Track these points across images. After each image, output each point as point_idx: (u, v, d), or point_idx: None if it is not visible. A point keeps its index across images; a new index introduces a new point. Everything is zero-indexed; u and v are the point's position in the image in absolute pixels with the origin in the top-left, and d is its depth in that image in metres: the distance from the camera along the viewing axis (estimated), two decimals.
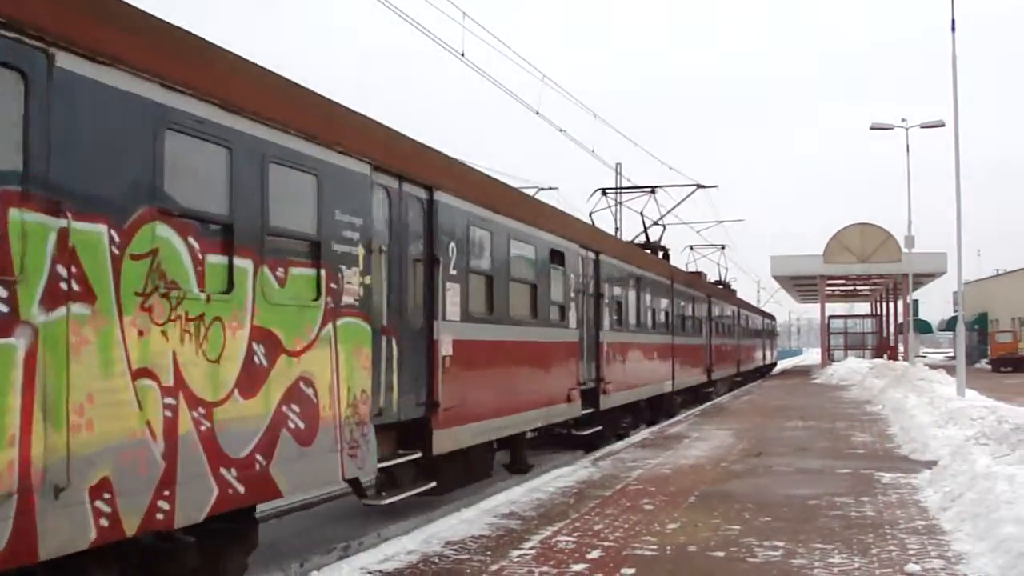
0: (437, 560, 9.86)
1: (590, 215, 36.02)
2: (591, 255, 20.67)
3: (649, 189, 38.64)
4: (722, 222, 57.98)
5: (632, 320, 24.64)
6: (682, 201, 41.07)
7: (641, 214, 38.36)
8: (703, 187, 42.75)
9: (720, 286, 51.52)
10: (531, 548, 10.39)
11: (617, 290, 23.03)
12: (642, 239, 38.44)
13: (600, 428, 20.58)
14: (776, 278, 79.66)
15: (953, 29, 29.58)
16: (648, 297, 26.80)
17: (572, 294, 18.74)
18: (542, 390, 16.86)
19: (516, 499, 13.58)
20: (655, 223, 39.48)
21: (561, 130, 28.36)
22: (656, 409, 28.65)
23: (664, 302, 29.34)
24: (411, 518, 13.29)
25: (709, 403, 36.88)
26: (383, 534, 12.39)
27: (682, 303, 32.64)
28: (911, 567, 9.35)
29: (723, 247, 60.28)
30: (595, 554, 10.08)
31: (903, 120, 49.34)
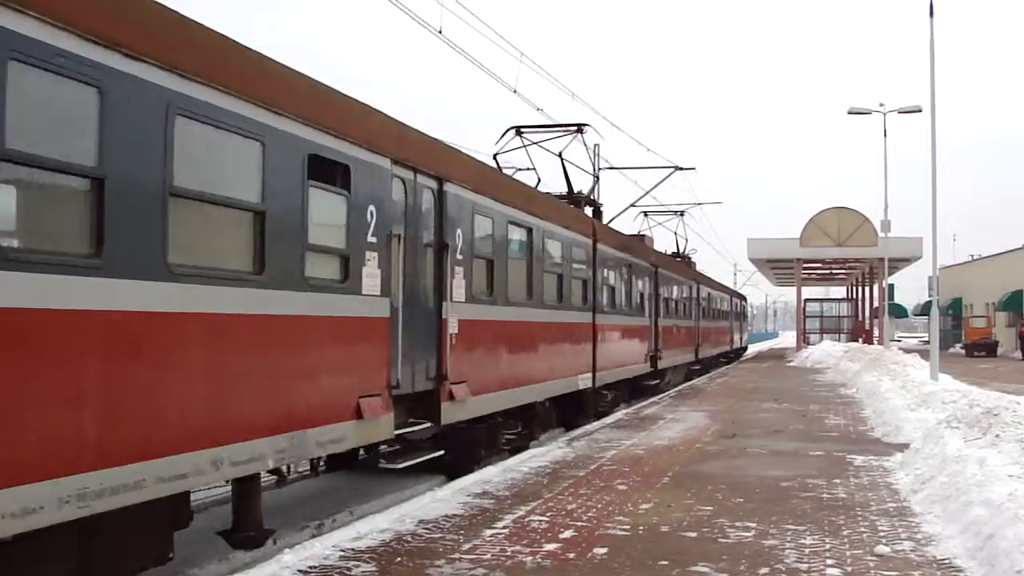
0: (410, 538, 9.87)
1: (495, 156, 25.91)
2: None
3: (575, 128, 27.36)
4: (700, 204, 57.85)
5: (516, 292, 17.18)
6: (660, 183, 41.13)
7: (560, 156, 27.67)
8: (681, 169, 42.88)
9: (676, 258, 45.09)
10: (504, 527, 10.41)
11: (497, 247, 16.30)
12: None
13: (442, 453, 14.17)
14: (753, 260, 79.90)
15: (932, 15, 29.62)
16: (551, 260, 19.63)
17: None
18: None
19: (490, 479, 13.59)
20: (595, 176, 34.64)
21: (539, 109, 28.26)
22: (569, 410, 21.83)
23: (583, 269, 22.08)
24: (384, 497, 13.31)
25: (686, 384, 36.96)
26: (356, 512, 12.41)
27: (611, 272, 25.33)
28: (881, 548, 9.41)
29: (681, 213, 49.20)
30: (568, 534, 10.10)
31: (881, 105, 49.52)
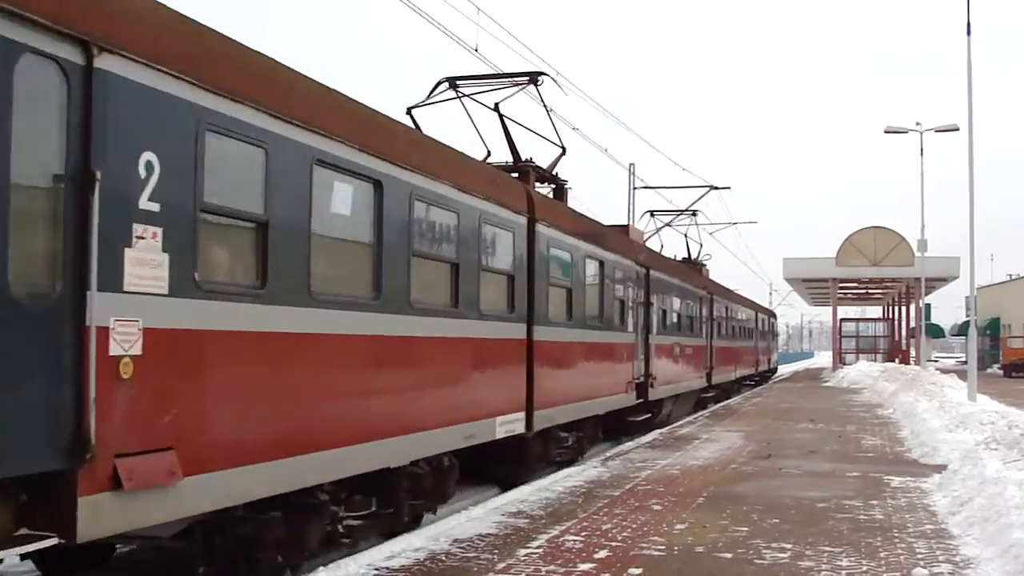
0: (444, 558, 9.87)
1: (408, 111, 18.38)
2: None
3: (526, 77, 19.39)
4: (735, 223, 57.69)
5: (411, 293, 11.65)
6: (695, 202, 40.96)
7: (497, 108, 19.43)
8: (716, 188, 42.71)
9: (687, 263, 37.41)
10: (538, 547, 10.39)
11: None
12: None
13: None
14: (788, 280, 79.51)
15: (968, 33, 29.49)
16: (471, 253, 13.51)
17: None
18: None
19: (524, 498, 13.58)
20: (561, 147, 20.70)
21: (574, 128, 28.24)
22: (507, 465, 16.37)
23: (508, 261, 15.18)
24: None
25: (720, 404, 36.75)
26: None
27: (563, 268, 17.93)
28: (919, 571, 9.33)
29: (694, 213, 40.47)
30: (602, 554, 10.07)
31: (917, 124, 49.22)
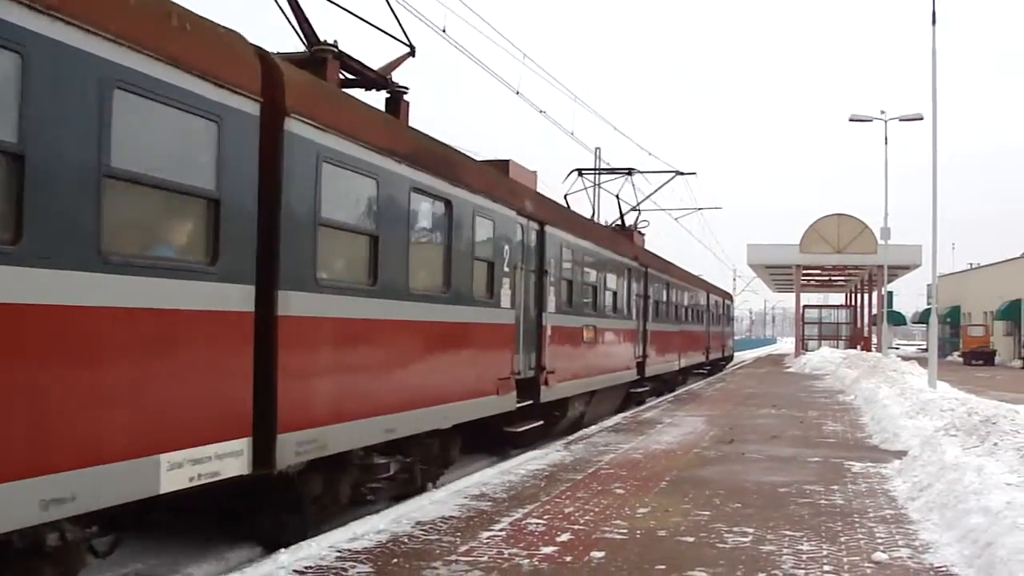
0: (407, 540, 9.86)
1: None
2: None
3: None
4: (700, 209, 57.89)
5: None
6: (661, 187, 41.00)
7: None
8: (682, 174, 42.72)
9: (618, 230, 31.89)
10: (501, 530, 10.39)
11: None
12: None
13: None
14: (752, 266, 79.96)
15: (934, 23, 29.62)
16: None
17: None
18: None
19: (487, 481, 13.58)
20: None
21: (541, 111, 28.27)
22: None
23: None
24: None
25: (683, 389, 36.77)
26: (354, 512, 12.39)
27: (351, 200, 11.20)
28: (878, 555, 9.41)
29: (630, 172, 34.81)
30: (565, 537, 10.09)
31: (882, 112, 49.46)
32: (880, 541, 10.12)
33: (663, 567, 8.92)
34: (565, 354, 19.88)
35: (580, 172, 31.50)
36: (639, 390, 29.66)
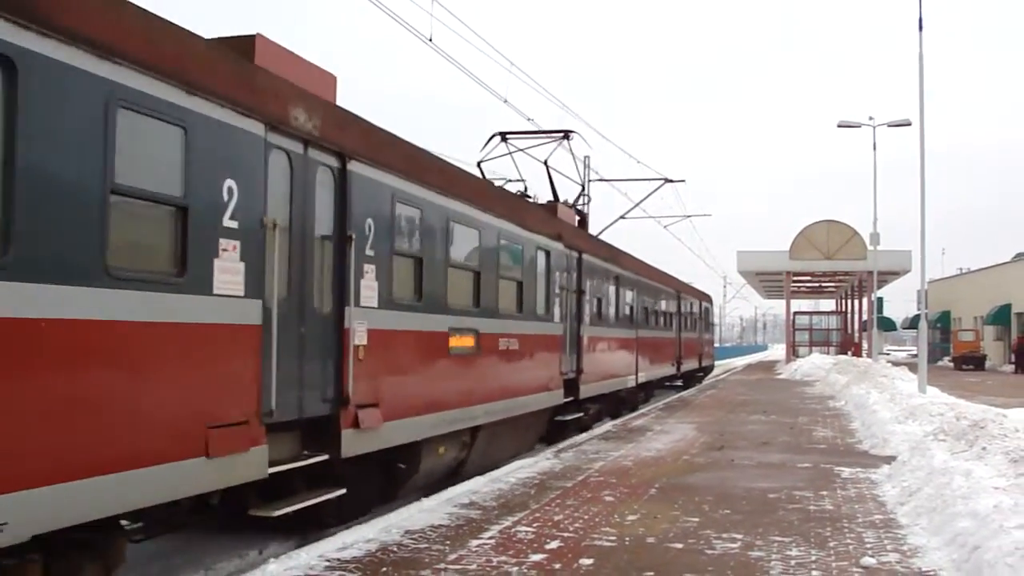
0: (396, 549, 9.85)
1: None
2: None
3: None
4: (689, 216, 57.94)
5: None
6: (650, 195, 41.08)
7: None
8: (671, 181, 42.94)
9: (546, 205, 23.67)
10: (490, 538, 10.40)
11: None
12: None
13: None
14: (742, 273, 79.99)
15: (920, 28, 29.73)
16: None
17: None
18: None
19: (477, 489, 13.58)
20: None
21: (529, 119, 28.23)
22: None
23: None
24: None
25: (675, 396, 36.70)
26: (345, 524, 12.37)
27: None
28: (867, 560, 9.43)
29: (566, 135, 27.04)
30: (554, 544, 10.10)
31: (870, 118, 49.73)
32: (869, 546, 10.13)
33: (651, 573, 8.93)
34: (399, 371, 12.67)
35: (504, 136, 25.04)
36: (568, 417, 21.93)
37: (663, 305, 37.06)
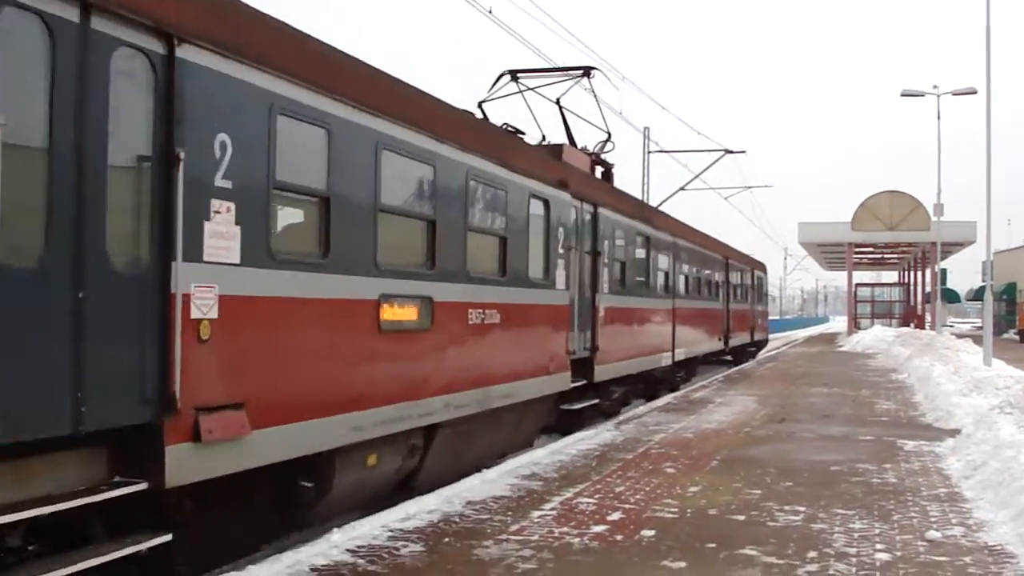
0: (458, 519, 9.92)
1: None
2: None
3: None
4: (750, 187, 57.55)
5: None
6: (710, 166, 40.85)
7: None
8: (731, 152, 42.66)
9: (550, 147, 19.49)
10: (552, 509, 10.44)
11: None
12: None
13: None
14: (803, 244, 79.29)
15: None
16: None
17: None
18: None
19: (538, 460, 13.63)
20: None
21: (589, 90, 28.03)
22: None
23: None
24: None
25: (734, 369, 36.46)
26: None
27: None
28: (931, 534, 9.35)
29: (587, 72, 22.13)
30: (615, 516, 10.12)
31: (934, 87, 48.85)
32: (933, 520, 10.06)
33: (713, 545, 8.92)
34: (283, 357, 9.06)
35: (515, 75, 21.18)
36: (577, 405, 17.92)
37: (708, 273, 33.01)
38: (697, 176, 41.00)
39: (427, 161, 11.76)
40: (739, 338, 40.42)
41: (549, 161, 17.13)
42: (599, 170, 21.86)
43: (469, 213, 12.95)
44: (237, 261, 8.14)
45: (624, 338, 20.97)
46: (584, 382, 17.89)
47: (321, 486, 9.80)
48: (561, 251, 16.59)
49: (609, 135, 23.05)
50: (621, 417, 19.34)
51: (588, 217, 18.53)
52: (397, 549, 8.72)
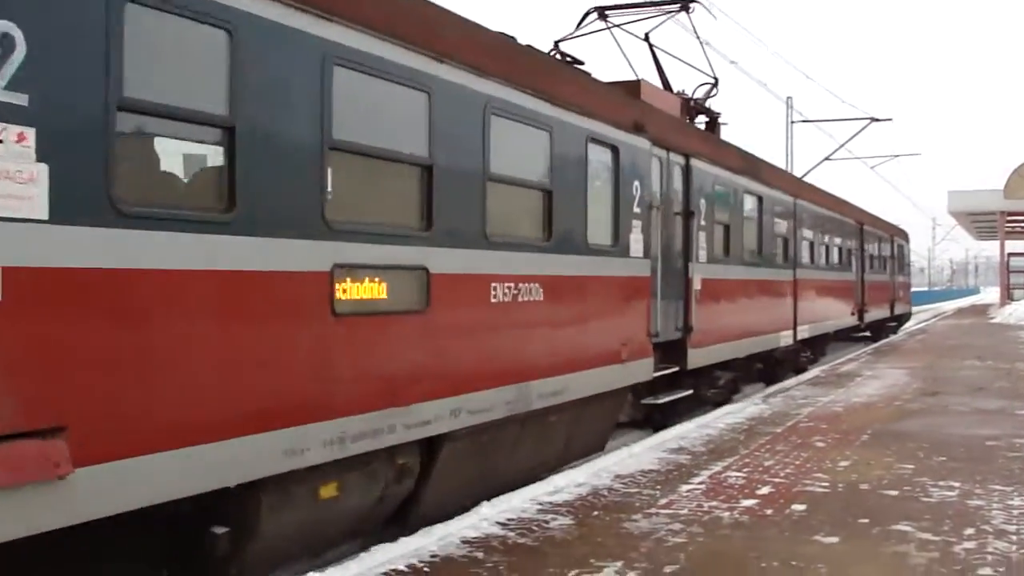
0: (607, 493, 9.97)
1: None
2: None
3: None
4: (897, 156, 56.18)
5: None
6: (855, 135, 40.01)
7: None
8: (877, 120, 41.69)
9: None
10: (700, 483, 10.42)
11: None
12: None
13: None
14: (953, 214, 77.15)
15: None
16: None
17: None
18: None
19: (685, 434, 13.60)
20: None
21: (732, 61, 27.80)
22: None
23: None
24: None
25: (883, 341, 35.67)
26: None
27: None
28: None
29: (684, 6, 19.35)
30: (765, 490, 10.06)
31: None
32: None
33: (866, 521, 8.81)
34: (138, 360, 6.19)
35: (602, 12, 19.17)
36: (664, 398, 14.97)
37: (838, 240, 29.44)
38: (842, 146, 40.19)
39: (420, 86, 8.77)
40: (876, 312, 36.72)
41: (617, 99, 13.96)
42: (703, 121, 19.92)
43: (489, 158, 9.85)
44: (42, 217, 5.49)
45: (727, 315, 17.69)
46: (676, 368, 15.13)
47: (241, 532, 7.30)
48: (637, 210, 13.54)
49: (716, 80, 20.36)
50: (769, 390, 19.16)
51: (677, 170, 15.62)
52: (546, 522, 8.81)
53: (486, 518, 8.92)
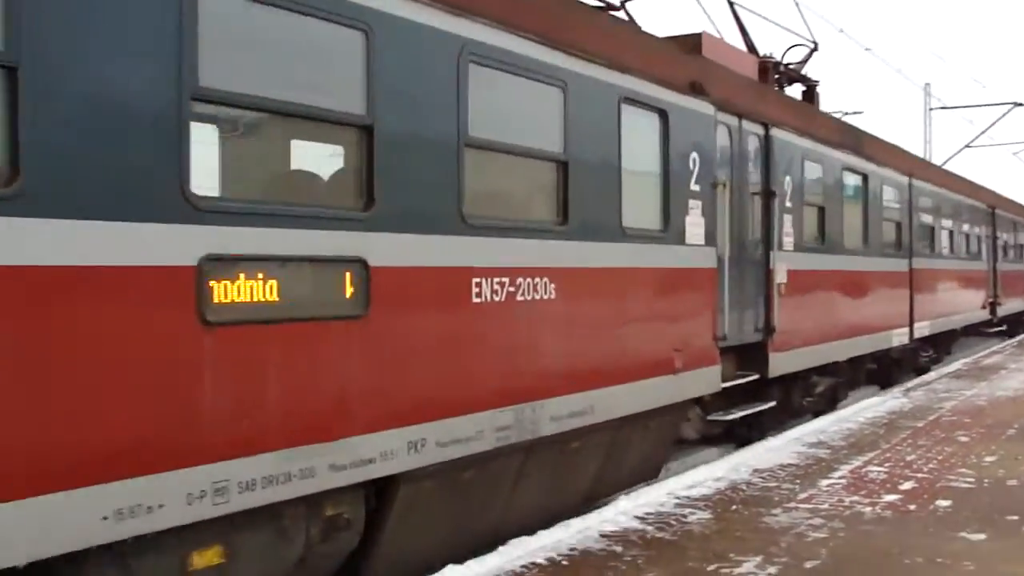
0: (744, 487, 9.92)
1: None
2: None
3: None
4: None
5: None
6: (998, 120, 38.93)
7: None
8: (1021, 105, 40.46)
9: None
10: (841, 477, 10.30)
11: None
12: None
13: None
14: None
15: None
16: None
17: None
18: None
19: (824, 428, 13.45)
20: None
21: (867, 49, 27.24)
22: None
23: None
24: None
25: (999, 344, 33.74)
26: (688, 461, 12.54)
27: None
28: None
29: None
30: (908, 485, 9.89)
31: None
32: None
33: (1015, 518, 8.61)
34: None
35: None
36: (737, 413, 12.50)
37: (965, 225, 26.54)
38: (983, 132, 39.05)
39: (353, 22, 6.54)
40: (1012, 305, 32.93)
41: (665, 53, 11.22)
42: (799, 90, 17.53)
43: (467, 120, 7.54)
44: None
45: (820, 313, 15.07)
46: (755, 376, 12.83)
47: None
48: (695, 188, 11.12)
49: (815, 45, 17.74)
50: (909, 384, 18.78)
51: (753, 141, 13.10)
52: (685, 516, 8.81)
53: (624, 512, 8.96)
